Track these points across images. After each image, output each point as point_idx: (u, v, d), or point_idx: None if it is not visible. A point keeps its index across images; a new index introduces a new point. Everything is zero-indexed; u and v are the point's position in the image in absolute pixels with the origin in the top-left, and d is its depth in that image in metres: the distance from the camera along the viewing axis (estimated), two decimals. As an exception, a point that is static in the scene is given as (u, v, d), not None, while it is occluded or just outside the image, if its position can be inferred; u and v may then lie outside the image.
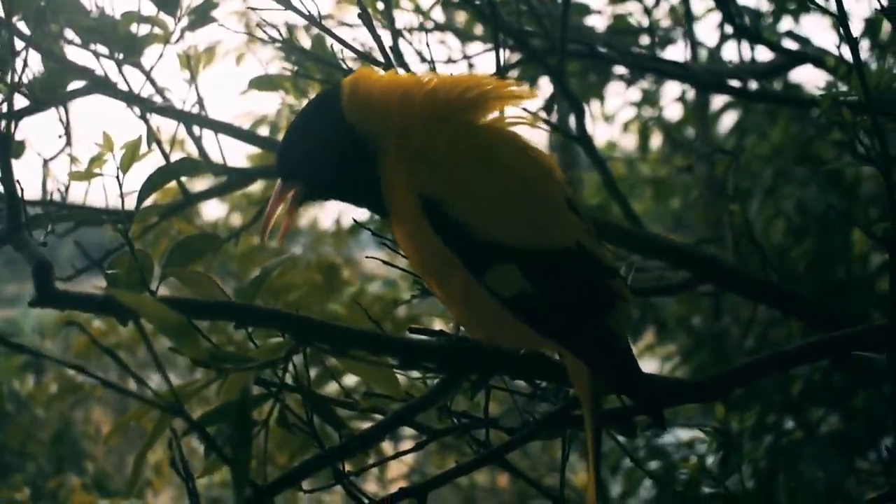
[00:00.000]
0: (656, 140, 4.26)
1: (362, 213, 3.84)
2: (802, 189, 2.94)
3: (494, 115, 1.22)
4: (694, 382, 1.35)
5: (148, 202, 1.40)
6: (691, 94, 3.81)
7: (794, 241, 2.80)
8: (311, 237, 4.33)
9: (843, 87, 2.11)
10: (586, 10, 2.99)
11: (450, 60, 2.12)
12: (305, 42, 1.93)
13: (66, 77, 1.89)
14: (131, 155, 1.50)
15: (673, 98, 4.09)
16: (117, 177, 1.50)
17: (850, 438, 3.11)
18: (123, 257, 1.46)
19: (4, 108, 1.40)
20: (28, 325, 4.83)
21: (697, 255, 1.84)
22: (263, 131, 3.03)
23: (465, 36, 2.58)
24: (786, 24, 3.79)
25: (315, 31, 1.75)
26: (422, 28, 2.26)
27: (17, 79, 1.57)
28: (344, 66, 1.69)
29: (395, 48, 1.66)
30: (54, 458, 4.01)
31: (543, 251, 1.14)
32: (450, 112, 1.19)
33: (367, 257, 1.61)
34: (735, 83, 2.33)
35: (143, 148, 1.50)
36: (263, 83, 2.19)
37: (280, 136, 2.84)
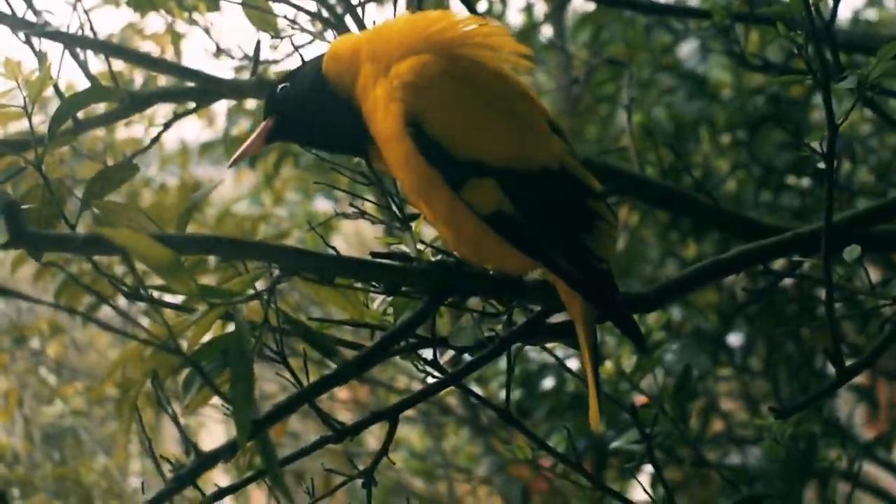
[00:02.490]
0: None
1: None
2: (670, 96, 3.01)
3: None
4: (639, 294, 1.37)
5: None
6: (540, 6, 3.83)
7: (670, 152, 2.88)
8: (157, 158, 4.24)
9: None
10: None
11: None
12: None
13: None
14: (41, 85, 1.44)
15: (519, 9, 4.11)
16: (25, 108, 1.43)
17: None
18: (34, 190, 1.41)
19: None
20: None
21: (618, 170, 1.88)
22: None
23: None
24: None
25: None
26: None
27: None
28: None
29: None
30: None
31: (523, 169, 1.17)
32: (428, 46, 1.20)
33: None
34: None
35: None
36: (142, 3, 2.12)
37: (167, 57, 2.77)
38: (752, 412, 3.43)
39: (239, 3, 1.77)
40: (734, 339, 3.39)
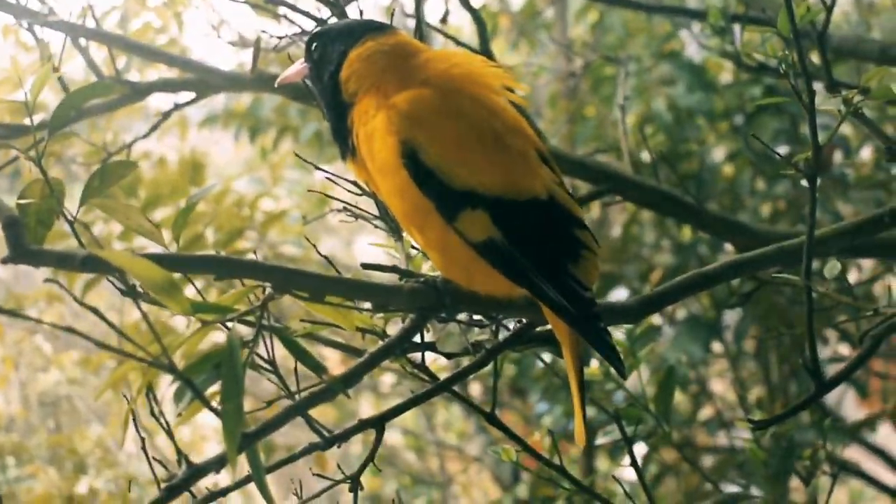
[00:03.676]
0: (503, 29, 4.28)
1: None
2: (670, 87, 3.03)
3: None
4: (623, 306, 1.40)
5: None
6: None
7: (672, 145, 2.90)
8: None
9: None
10: None
11: None
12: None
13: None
14: (42, 81, 1.46)
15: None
16: (26, 104, 1.46)
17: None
18: (34, 185, 1.43)
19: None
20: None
21: (607, 169, 1.90)
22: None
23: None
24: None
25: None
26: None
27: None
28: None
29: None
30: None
31: (513, 200, 1.21)
32: (436, 81, 1.26)
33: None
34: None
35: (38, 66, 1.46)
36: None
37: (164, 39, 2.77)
38: (742, 396, 3.47)
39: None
40: (727, 317, 3.42)
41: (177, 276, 1.07)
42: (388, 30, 1.31)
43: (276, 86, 1.39)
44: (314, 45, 1.32)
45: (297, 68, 1.33)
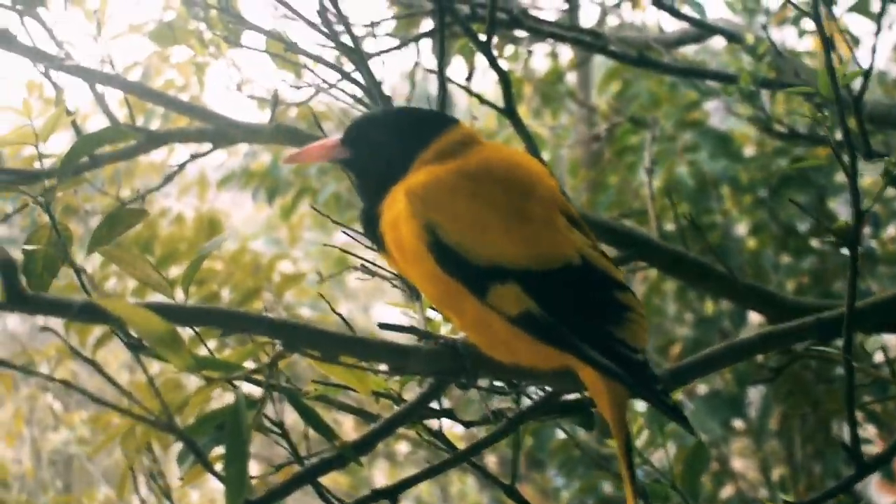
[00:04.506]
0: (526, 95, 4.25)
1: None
2: (694, 154, 2.99)
3: None
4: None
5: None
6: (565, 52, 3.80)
7: (696, 213, 2.85)
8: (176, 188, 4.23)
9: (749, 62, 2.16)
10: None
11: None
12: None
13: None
14: (53, 124, 1.42)
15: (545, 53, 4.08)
16: (36, 146, 1.42)
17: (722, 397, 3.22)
18: (41, 231, 1.38)
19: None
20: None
21: (634, 234, 1.85)
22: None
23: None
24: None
25: None
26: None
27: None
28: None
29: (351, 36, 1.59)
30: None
31: (543, 268, 1.18)
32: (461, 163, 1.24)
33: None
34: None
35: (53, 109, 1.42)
36: (164, 37, 2.10)
37: (185, 97, 2.75)
38: (765, 474, 3.39)
39: (262, 51, 1.74)
40: (750, 392, 3.35)
41: (188, 332, 1.02)
42: (450, 125, 1.28)
43: (283, 162, 1.32)
44: (358, 129, 1.27)
45: (327, 149, 1.27)
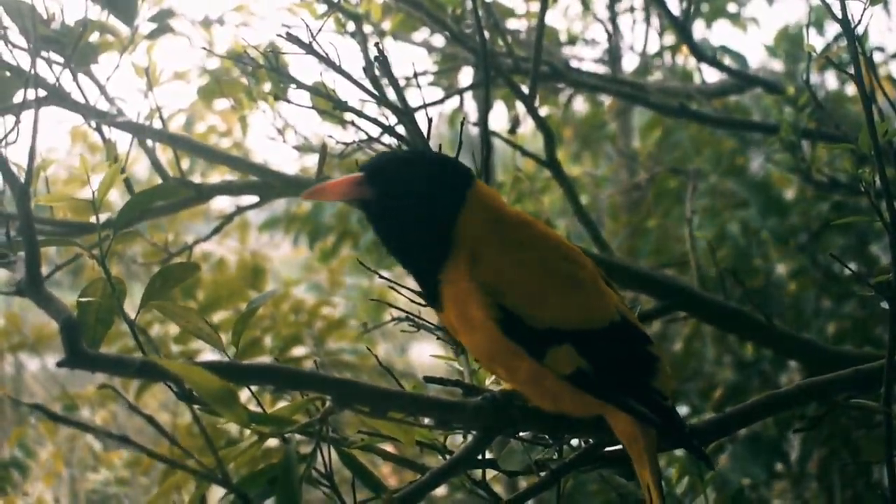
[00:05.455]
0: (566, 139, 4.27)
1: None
2: (742, 210, 3.00)
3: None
4: (693, 427, 1.36)
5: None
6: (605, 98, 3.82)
7: (739, 263, 2.86)
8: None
9: (790, 113, 2.17)
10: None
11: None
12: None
13: (16, 86, 1.81)
14: (110, 182, 1.45)
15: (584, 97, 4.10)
16: (93, 202, 1.45)
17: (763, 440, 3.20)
18: (95, 284, 1.42)
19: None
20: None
21: (675, 284, 1.86)
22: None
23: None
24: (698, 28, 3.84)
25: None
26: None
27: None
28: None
29: (397, 88, 1.62)
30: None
31: (592, 328, 1.26)
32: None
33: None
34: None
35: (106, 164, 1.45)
36: (212, 92, 2.14)
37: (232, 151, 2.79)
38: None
39: (309, 107, 1.77)
40: (791, 437, 3.33)
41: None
42: (471, 178, 1.30)
43: (302, 197, 1.30)
44: (382, 170, 1.27)
45: (350, 186, 1.25)
